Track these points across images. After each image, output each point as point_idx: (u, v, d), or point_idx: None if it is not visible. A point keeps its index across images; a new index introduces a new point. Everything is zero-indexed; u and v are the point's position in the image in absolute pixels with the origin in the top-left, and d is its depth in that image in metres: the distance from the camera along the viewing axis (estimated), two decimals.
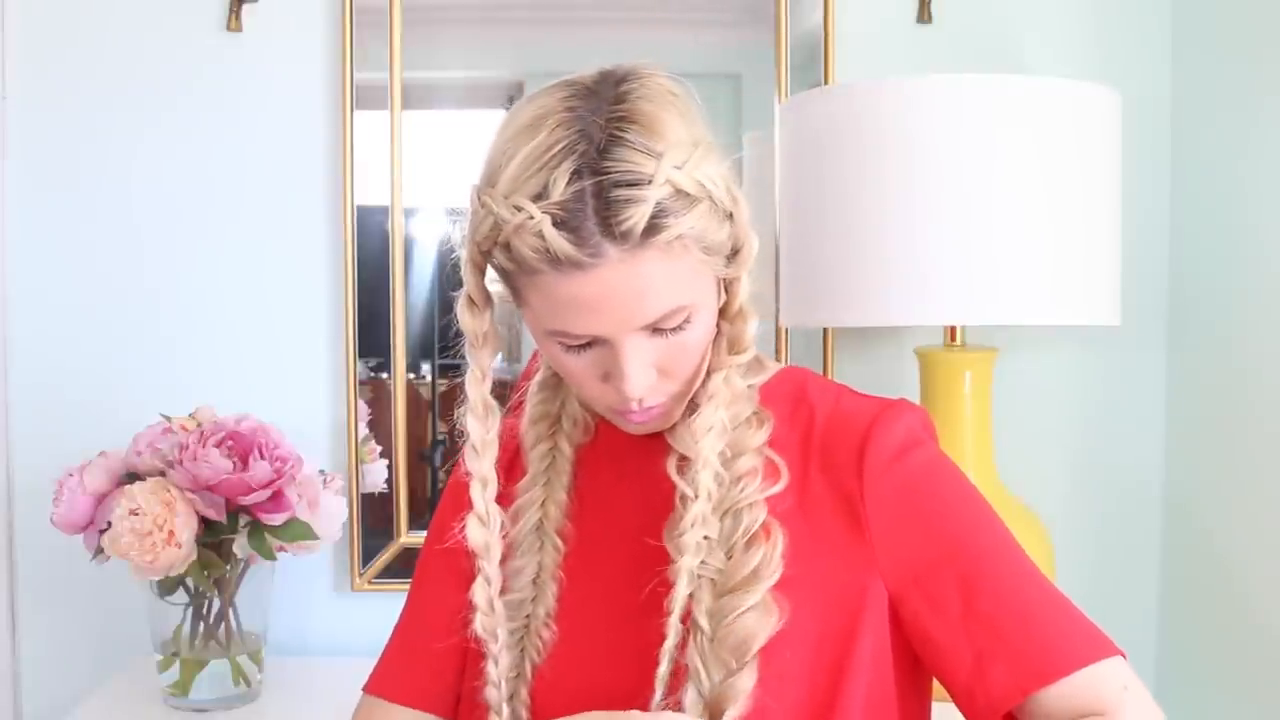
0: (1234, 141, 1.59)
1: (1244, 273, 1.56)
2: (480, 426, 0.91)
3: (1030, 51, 1.71)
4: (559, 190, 0.77)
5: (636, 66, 0.84)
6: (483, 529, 0.91)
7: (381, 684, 1.02)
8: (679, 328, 0.83)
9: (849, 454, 0.88)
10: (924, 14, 1.71)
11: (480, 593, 0.91)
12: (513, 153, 0.80)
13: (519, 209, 0.78)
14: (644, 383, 0.84)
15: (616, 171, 0.77)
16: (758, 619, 0.83)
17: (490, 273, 0.86)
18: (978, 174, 1.33)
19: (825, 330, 1.70)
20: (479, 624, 0.91)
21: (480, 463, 0.91)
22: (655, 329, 0.83)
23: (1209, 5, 1.65)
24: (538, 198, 0.78)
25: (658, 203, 0.78)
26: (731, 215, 0.84)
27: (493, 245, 0.82)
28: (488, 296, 0.88)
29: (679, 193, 0.79)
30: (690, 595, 0.85)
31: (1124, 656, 0.86)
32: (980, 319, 1.36)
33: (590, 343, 0.83)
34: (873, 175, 1.35)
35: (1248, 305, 1.54)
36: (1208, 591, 1.65)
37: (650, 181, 0.78)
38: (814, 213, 1.41)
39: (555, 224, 0.77)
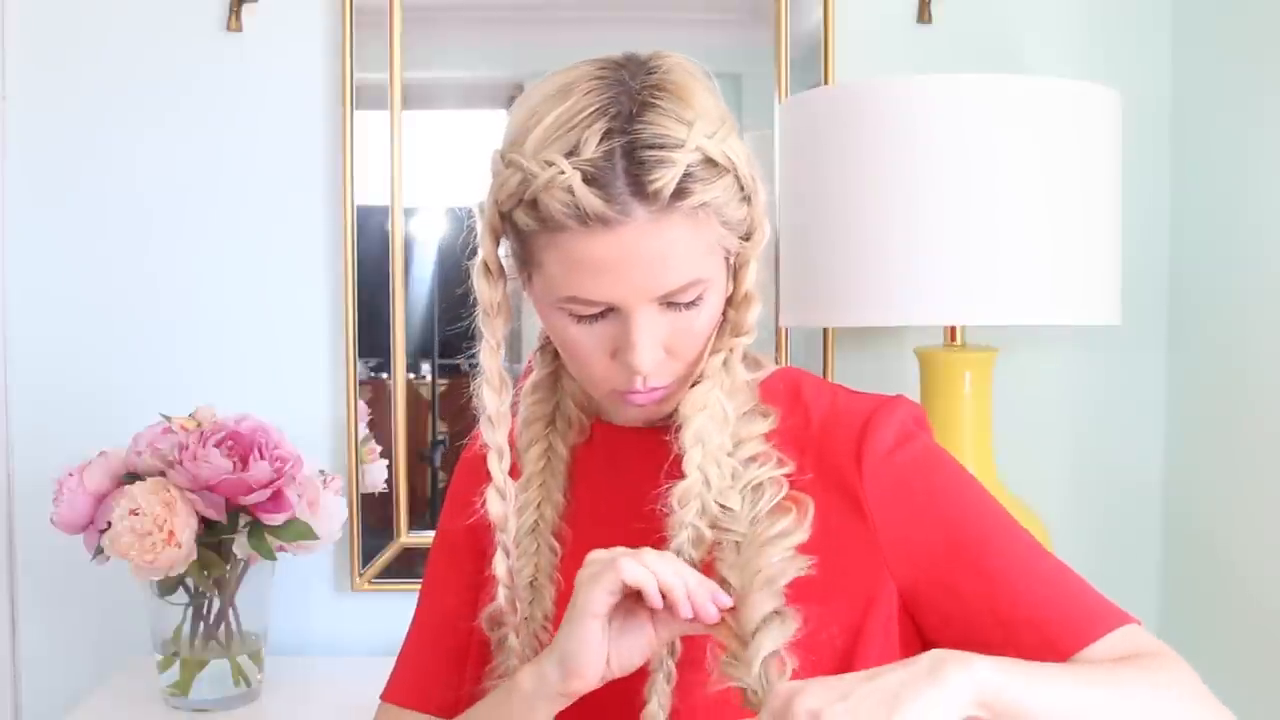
0: (1234, 141, 1.59)
1: (1244, 273, 1.56)
2: (495, 398, 0.90)
3: (1030, 51, 1.71)
4: (590, 148, 0.78)
5: (660, 50, 0.85)
6: (501, 501, 0.91)
7: (398, 691, 1.01)
8: (692, 304, 0.83)
9: (847, 450, 0.89)
10: (924, 14, 1.71)
11: (500, 566, 0.91)
12: (542, 115, 0.80)
13: (550, 164, 0.78)
14: (652, 357, 0.83)
15: (649, 133, 0.78)
16: (786, 563, 0.83)
17: (503, 248, 0.86)
18: (978, 174, 1.33)
19: (825, 330, 1.70)
20: (501, 597, 0.91)
21: (496, 434, 0.90)
22: (669, 303, 0.83)
23: (1209, 5, 1.65)
24: (569, 155, 0.78)
25: (687, 167, 0.78)
26: (750, 197, 0.84)
27: (516, 204, 0.81)
28: (503, 265, 0.88)
29: (708, 160, 0.80)
30: (715, 558, 0.84)
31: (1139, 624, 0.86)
32: (980, 319, 1.36)
33: (602, 313, 0.83)
34: (872, 175, 1.35)
35: (1248, 305, 1.55)
36: (1208, 591, 1.65)
37: (681, 145, 0.78)
38: (814, 212, 1.41)
39: (585, 180, 0.77)
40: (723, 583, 0.83)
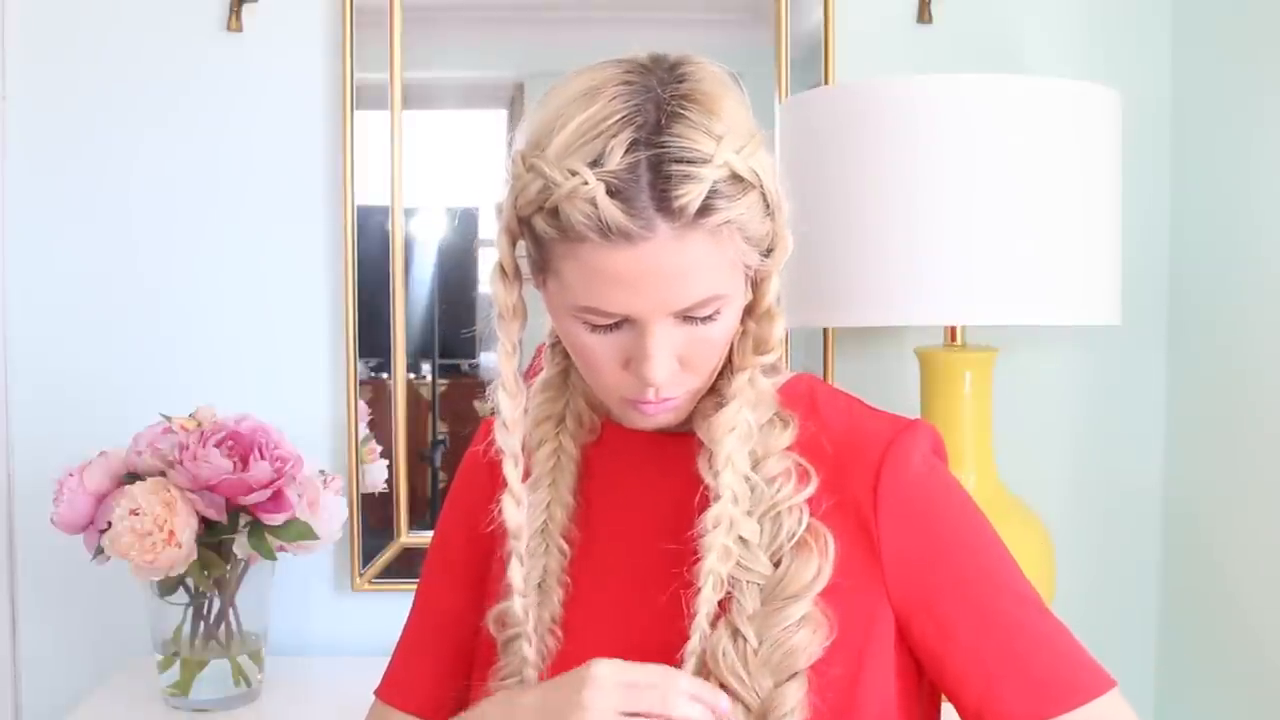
0: (1234, 141, 1.59)
1: (1244, 273, 1.56)
2: (510, 402, 0.89)
3: (1030, 51, 1.71)
4: (615, 159, 0.76)
5: (688, 53, 0.83)
6: (517, 508, 0.89)
7: (392, 691, 1.01)
8: (709, 318, 0.82)
9: (864, 474, 0.87)
10: (924, 14, 1.71)
11: (516, 574, 0.90)
12: (567, 119, 0.78)
13: (573, 173, 0.76)
14: (666, 370, 0.82)
15: (676, 147, 0.76)
16: (809, 634, 0.83)
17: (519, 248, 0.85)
18: (978, 174, 1.33)
19: (825, 330, 1.70)
20: (516, 605, 0.90)
21: (511, 439, 0.89)
22: (686, 316, 0.81)
23: (1209, 5, 1.65)
24: (593, 164, 0.76)
25: (713, 184, 0.77)
26: (774, 212, 0.83)
27: (536, 211, 0.79)
28: (519, 268, 0.86)
29: (734, 177, 0.78)
30: (733, 599, 0.83)
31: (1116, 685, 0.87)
32: (980, 319, 1.36)
33: (618, 324, 0.82)
34: (873, 175, 1.35)
35: (1248, 305, 1.55)
36: (1207, 591, 1.65)
37: (709, 161, 0.77)
38: (814, 213, 1.41)
39: (609, 192, 0.76)
40: (736, 634, 0.83)
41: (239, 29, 1.70)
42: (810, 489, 0.86)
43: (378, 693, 1.02)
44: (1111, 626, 1.75)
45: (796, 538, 0.84)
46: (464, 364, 1.78)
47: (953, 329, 1.52)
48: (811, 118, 1.43)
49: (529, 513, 0.93)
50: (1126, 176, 1.46)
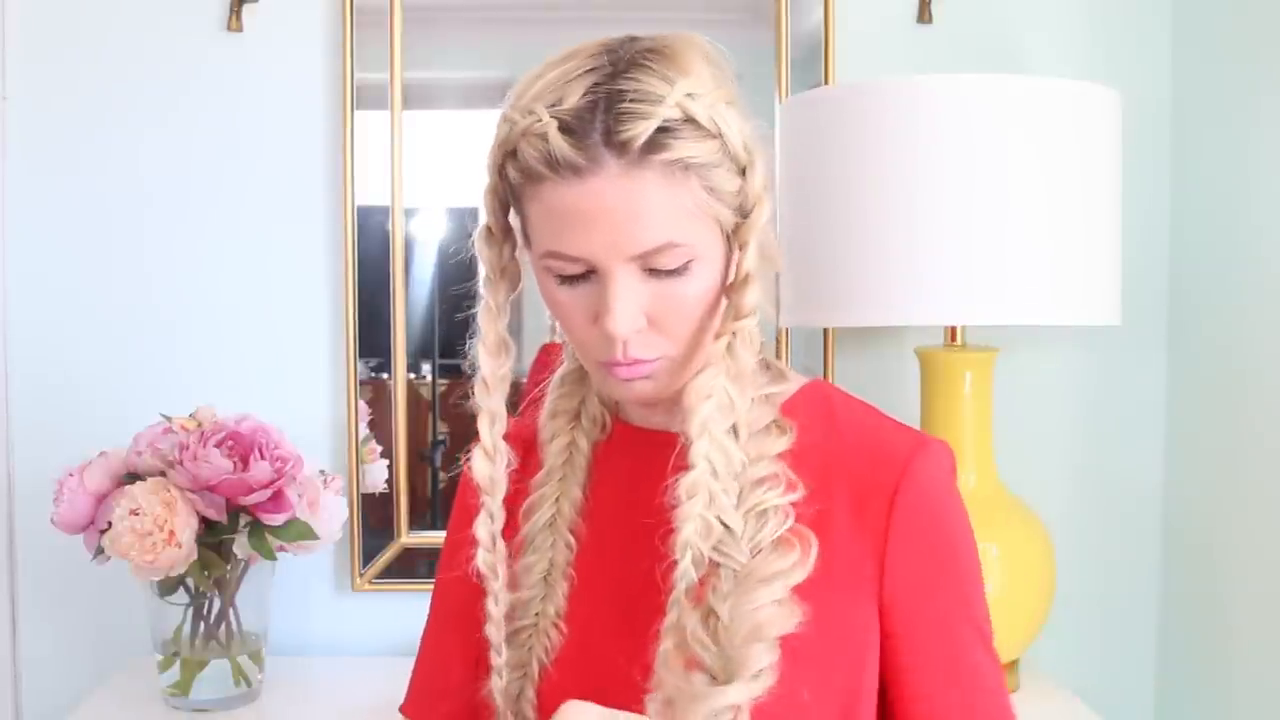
0: (1234, 141, 1.59)
1: (1244, 273, 1.56)
2: (492, 361, 0.90)
3: (1030, 51, 1.71)
4: (573, 100, 0.79)
5: (682, 32, 0.87)
6: (488, 463, 0.90)
7: (418, 706, 1.02)
8: (676, 272, 0.82)
9: (881, 491, 0.87)
10: (924, 14, 1.71)
11: (483, 528, 0.90)
12: (541, 75, 0.82)
13: (531, 113, 0.80)
14: (630, 321, 0.81)
15: (630, 89, 0.79)
16: (778, 611, 0.82)
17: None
18: (978, 174, 1.33)
19: (825, 330, 1.70)
20: (480, 560, 0.90)
21: (490, 398, 0.90)
22: (651, 269, 0.81)
23: (1209, 5, 1.65)
24: (552, 106, 0.79)
25: (664, 120, 0.78)
26: (745, 170, 0.83)
27: (503, 156, 0.82)
28: (507, 228, 0.88)
29: (688, 119, 0.79)
30: (709, 584, 0.83)
31: None
32: (980, 319, 1.36)
33: (585, 275, 0.82)
34: (873, 175, 1.35)
35: (1248, 305, 1.55)
36: (1207, 591, 1.65)
37: (661, 101, 0.79)
38: (814, 213, 1.42)
39: (561, 129, 0.78)
40: (710, 614, 0.82)
41: (239, 29, 1.70)
42: (795, 496, 0.85)
43: (403, 709, 1.03)
44: (1111, 626, 1.75)
45: (779, 536, 0.84)
46: (464, 364, 1.78)
47: (953, 329, 1.52)
48: (811, 118, 1.43)
49: (539, 505, 0.94)
50: (1126, 176, 1.46)
